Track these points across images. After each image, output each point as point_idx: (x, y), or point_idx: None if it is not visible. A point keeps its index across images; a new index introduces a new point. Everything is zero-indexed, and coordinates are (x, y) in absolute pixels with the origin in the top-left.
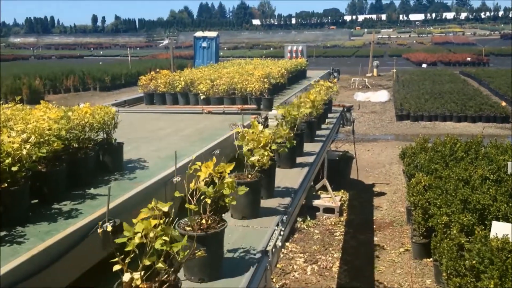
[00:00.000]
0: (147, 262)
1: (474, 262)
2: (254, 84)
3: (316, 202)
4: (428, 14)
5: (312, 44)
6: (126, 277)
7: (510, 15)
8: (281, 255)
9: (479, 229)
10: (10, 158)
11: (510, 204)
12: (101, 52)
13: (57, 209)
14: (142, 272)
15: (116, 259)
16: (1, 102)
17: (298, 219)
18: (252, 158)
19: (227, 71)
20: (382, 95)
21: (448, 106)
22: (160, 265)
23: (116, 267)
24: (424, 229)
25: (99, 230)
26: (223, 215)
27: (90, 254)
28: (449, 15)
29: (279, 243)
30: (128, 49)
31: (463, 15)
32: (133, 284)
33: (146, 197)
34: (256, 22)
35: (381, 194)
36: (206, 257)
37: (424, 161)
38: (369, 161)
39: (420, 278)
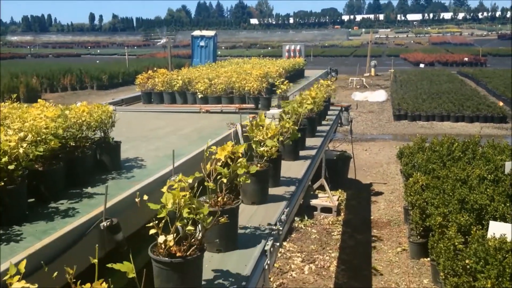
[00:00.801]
0: (178, 224)
1: (471, 262)
2: (252, 84)
3: (313, 202)
4: (426, 14)
5: (310, 44)
6: (161, 239)
7: (507, 16)
8: (279, 255)
9: (476, 229)
10: (6, 157)
11: (508, 204)
12: (99, 51)
13: (54, 208)
14: (175, 235)
15: (151, 223)
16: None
17: (295, 218)
18: (261, 149)
19: (225, 70)
20: (380, 95)
21: (446, 106)
22: (189, 227)
23: (152, 231)
24: (421, 228)
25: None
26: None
27: (87, 253)
28: (447, 15)
29: (284, 217)
30: (126, 47)
31: (460, 15)
32: (166, 245)
33: (143, 196)
34: (254, 21)
35: (379, 193)
36: (223, 231)
37: (422, 161)
38: (367, 161)
39: (417, 277)
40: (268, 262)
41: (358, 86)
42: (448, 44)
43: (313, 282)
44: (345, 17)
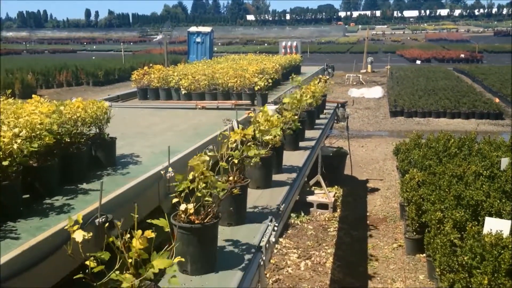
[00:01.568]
0: (198, 194)
1: (466, 258)
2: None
3: (310, 198)
4: (423, 11)
5: (306, 40)
6: (182, 206)
7: (503, 12)
8: (275, 251)
9: (472, 225)
10: (1, 153)
11: (503, 200)
12: (94, 47)
13: (49, 204)
14: (194, 203)
15: (174, 194)
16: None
17: (292, 214)
18: (267, 137)
19: (222, 67)
20: (376, 92)
21: (442, 102)
22: (207, 198)
23: (174, 200)
24: (417, 225)
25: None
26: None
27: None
28: (443, 12)
29: (285, 204)
30: (122, 44)
31: (457, 12)
32: (187, 212)
33: (139, 192)
34: (250, 17)
35: (375, 190)
36: (233, 206)
37: (418, 157)
38: (363, 157)
39: (413, 273)
40: (264, 258)
41: (354, 83)
42: (444, 41)
43: (309, 278)
44: (342, 14)
